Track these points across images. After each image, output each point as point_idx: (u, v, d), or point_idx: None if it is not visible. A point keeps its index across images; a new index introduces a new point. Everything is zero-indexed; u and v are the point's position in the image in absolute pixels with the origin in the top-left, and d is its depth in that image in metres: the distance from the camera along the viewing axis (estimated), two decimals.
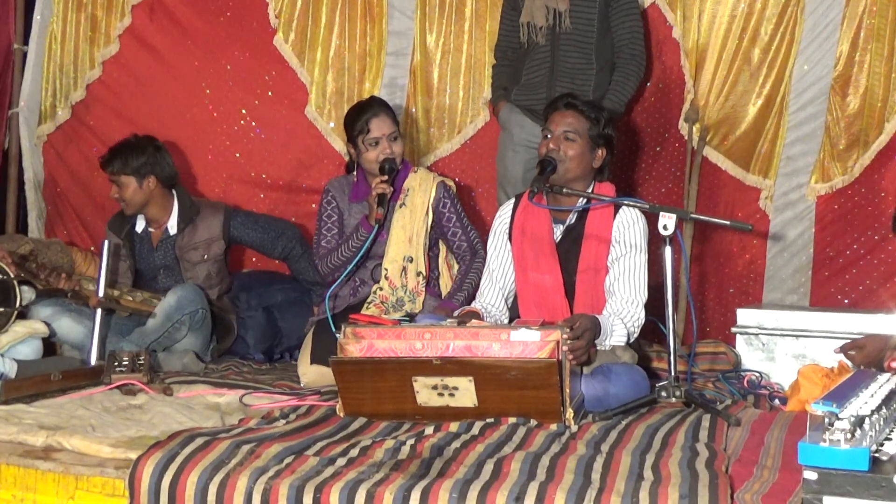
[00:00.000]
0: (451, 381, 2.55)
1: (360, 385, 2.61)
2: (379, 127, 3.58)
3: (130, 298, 3.72)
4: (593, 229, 3.13)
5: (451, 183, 3.78)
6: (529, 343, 2.54)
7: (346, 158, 3.96)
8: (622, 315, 3.00)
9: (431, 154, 4.47)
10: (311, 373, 3.33)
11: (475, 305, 3.26)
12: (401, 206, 3.63)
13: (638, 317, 3.03)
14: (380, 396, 2.61)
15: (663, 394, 2.79)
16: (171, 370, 3.54)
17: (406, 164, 3.73)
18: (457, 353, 2.57)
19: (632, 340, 3.03)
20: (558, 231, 3.19)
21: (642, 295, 3.05)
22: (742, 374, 3.40)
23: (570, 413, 2.56)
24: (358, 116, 3.61)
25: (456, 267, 3.74)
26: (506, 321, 3.24)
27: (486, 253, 3.57)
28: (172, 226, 3.94)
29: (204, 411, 2.79)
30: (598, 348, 2.94)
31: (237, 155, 4.66)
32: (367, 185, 3.64)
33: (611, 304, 3.04)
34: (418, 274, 3.58)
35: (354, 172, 3.74)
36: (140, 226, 3.99)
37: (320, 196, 3.77)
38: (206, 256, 3.93)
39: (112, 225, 4.04)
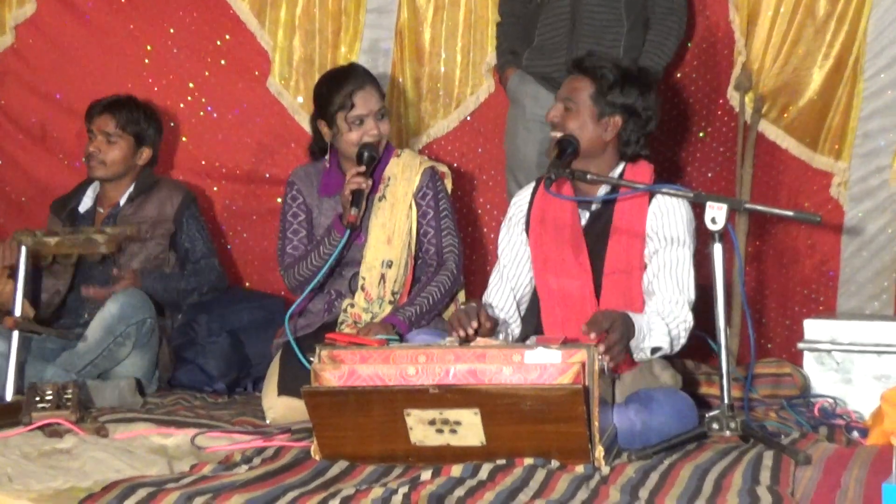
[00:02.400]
0: (453, 414, 2.55)
1: (339, 421, 2.62)
2: (365, 102, 3.56)
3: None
4: (623, 221, 3.13)
5: (443, 169, 3.77)
6: (548, 366, 2.55)
7: (313, 140, 3.86)
8: (663, 315, 2.99)
9: (424, 134, 4.48)
10: (279, 406, 3.34)
11: (483, 301, 3.25)
12: (380, 200, 3.62)
13: (683, 318, 3.00)
14: (364, 434, 2.61)
15: (714, 426, 2.80)
16: (106, 405, 3.54)
17: (388, 147, 3.70)
18: (459, 379, 2.57)
19: (677, 348, 3.02)
20: (584, 218, 3.19)
21: (688, 293, 3.04)
22: (812, 400, 3.41)
23: (599, 451, 2.56)
24: (337, 89, 3.57)
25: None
26: (517, 332, 3.24)
27: (455, 268, 3.59)
28: (124, 199, 4.09)
29: (147, 456, 2.79)
30: (635, 357, 2.94)
31: (184, 139, 4.66)
32: (342, 173, 3.61)
33: (650, 306, 3.03)
34: (395, 293, 3.56)
35: (326, 158, 3.71)
36: (85, 205, 4.15)
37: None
38: (148, 235, 4.00)
39: (55, 207, 4.22)
